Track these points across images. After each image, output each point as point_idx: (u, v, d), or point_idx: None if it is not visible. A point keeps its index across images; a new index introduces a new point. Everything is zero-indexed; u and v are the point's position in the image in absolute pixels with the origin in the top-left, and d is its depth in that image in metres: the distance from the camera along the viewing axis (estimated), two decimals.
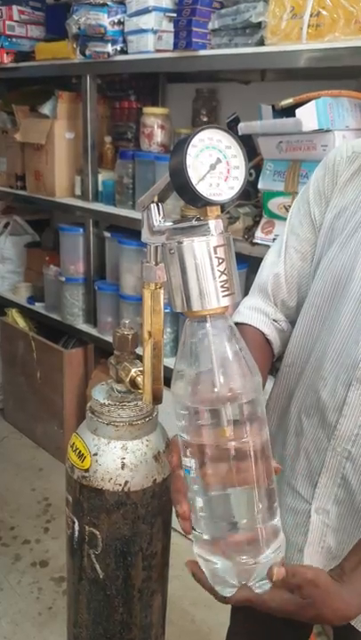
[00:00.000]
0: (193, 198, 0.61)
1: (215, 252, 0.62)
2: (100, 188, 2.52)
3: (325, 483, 0.85)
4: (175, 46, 1.96)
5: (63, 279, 2.71)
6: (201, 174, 0.61)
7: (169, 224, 0.67)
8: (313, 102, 1.58)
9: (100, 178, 2.52)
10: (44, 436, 2.98)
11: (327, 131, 1.58)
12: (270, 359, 1.00)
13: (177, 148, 0.62)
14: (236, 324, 0.97)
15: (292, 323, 1.00)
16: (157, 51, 2.09)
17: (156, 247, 0.70)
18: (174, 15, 1.98)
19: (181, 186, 0.61)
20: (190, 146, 0.61)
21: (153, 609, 0.90)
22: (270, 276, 0.99)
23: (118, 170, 2.40)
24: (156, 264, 0.71)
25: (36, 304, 3.01)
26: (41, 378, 2.89)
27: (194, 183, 0.60)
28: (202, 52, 1.93)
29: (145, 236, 0.70)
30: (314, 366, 0.88)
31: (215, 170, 0.62)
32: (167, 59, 2.05)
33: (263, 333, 0.97)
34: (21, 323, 3.06)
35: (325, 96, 1.59)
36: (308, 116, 1.57)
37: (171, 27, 2.00)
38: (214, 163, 0.62)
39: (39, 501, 2.61)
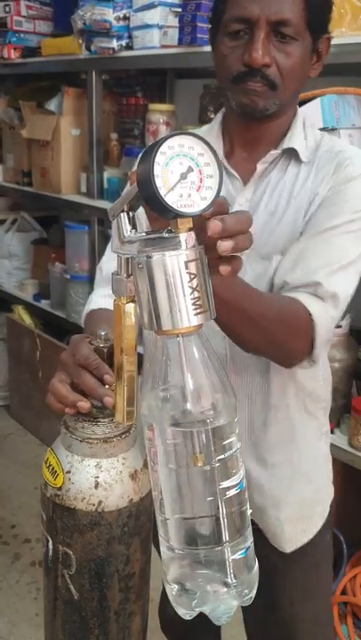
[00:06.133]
0: (162, 210, 0.57)
1: (186, 268, 0.58)
2: (106, 186, 2.48)
3: None
4: (180, 42, 1.92)
5: (68, 277, 2.68)
6: (170, 184, 0.57)
7: (140, 235, 0.63)
8: (318, 100, 1.53)
9: (106, 175, 2.48)
10: (48, 433, 2.96)
11: (333, 129, 1.53)
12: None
13: (144, 155, 0.57)
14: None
15: None
16: (163, 46, 2.05)
17: (127, 259, 0.66)
18: (180, 10, 1.94)
19: (149, 196, 0.57)
20: (159, 153, 0.56)
21: (131, 631, 0.87)
22: None
23: (124, 167, 2.36)
24: (127, 277, 0.67)
25: (42, 301, 2.99)
26: (44, 375, 2.87)
27: (162, 194, 0.56)
28: (207, 48, 1.87)
29: (115, 246, 0.66)
30: None
31: (186, 179, 0.57)
32: (172, 54, 2.00)
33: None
34: (27, 320, 3.05)
35: (331, 93, 1.54)
36: (312, 114, 1.52)
37: (176, 22, 1.96)
38: (185, 172, 0.57)
39: None
